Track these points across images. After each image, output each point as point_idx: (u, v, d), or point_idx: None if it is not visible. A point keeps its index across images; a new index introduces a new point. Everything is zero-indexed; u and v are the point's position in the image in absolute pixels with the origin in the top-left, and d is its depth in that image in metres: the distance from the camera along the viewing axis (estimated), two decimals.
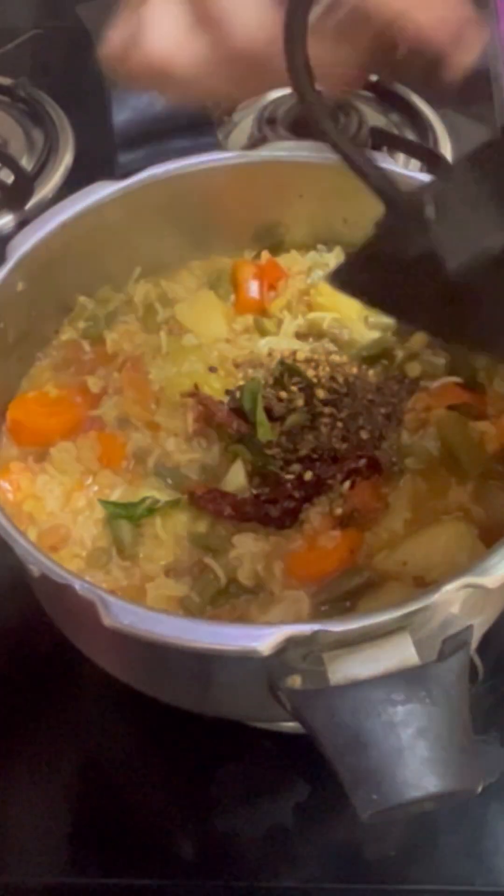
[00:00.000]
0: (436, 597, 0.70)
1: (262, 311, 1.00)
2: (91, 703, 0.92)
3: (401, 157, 1.26)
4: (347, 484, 0.85)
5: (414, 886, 0.83)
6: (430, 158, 1.23)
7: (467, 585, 0.70)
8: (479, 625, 0.79)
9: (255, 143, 1.26)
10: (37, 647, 0.94)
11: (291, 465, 0.86)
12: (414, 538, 0.83)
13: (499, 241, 0.58)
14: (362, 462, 0.86)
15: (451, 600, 0.72)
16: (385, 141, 1.27)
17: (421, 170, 1.20)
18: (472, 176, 0.59)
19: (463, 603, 0.75)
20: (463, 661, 0.68)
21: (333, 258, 1.02)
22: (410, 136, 1.32)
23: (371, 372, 0.92)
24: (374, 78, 1.37)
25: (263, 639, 0.68)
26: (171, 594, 0.82)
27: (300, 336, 0.97)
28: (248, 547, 0.84)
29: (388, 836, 0.84)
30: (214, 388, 0.93)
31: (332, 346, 0.96)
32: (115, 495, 0.88)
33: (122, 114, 0.97)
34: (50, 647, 0.90)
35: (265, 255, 1.03)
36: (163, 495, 0.87)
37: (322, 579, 0.83)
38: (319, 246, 1.04)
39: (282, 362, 0.92)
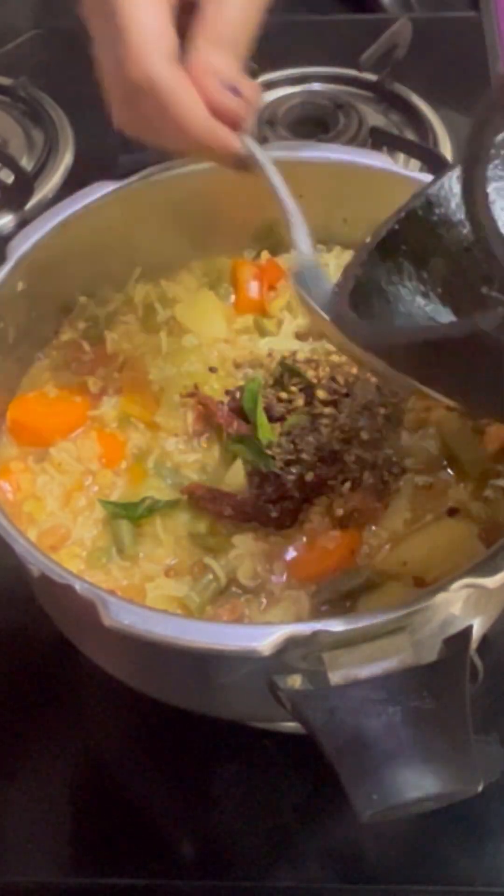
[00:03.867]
0: (436, 597, 0.70)
1: (262, 311, 1.00)
2: (91, 702, 0.92)
3: (401, 157, 1.26)
4: (348, 484, 0.85)
5: (414, 886, 0.83)
6: (430, 158, 1.23)
7: (467, 585, 0.70)
8: (479, 625, 0.79)
9: None
10: (37, 647, 0.94)
11: (292, 465, 0.86)
12: (414, 538, 0.84)
13: None
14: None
15: (451, 600, 0.72)
16: (385, 141, 1.27)
17: (421, 170, 1.20)
18: None
19: (463, 603, 0.75)
20: (463, 661, 0.68)
21: (333, 258, 1.02)
22: (410, 136, 1.32)
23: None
24: (373, 78, 1.37)
25: (263, 639, 0.68)
26: (171, 594, 0.82)
27: (300, 336, 0.97)
28: (248, 547, 0.84)
29: (388, 835, 0.84)
30: (214, 388, 0.93)
31: (332, 347, 0.95)
32: (115, 495, 0.89)
33: None
34: (50, 647, 0.90)
35: (265, 255, 1.03)
36: (163, 495, 0.87)
37: (322, 579, 0.83)
38: (319, 246, 1.03)
39: (282, 363, 0.92)
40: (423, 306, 0.73)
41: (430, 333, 0.63)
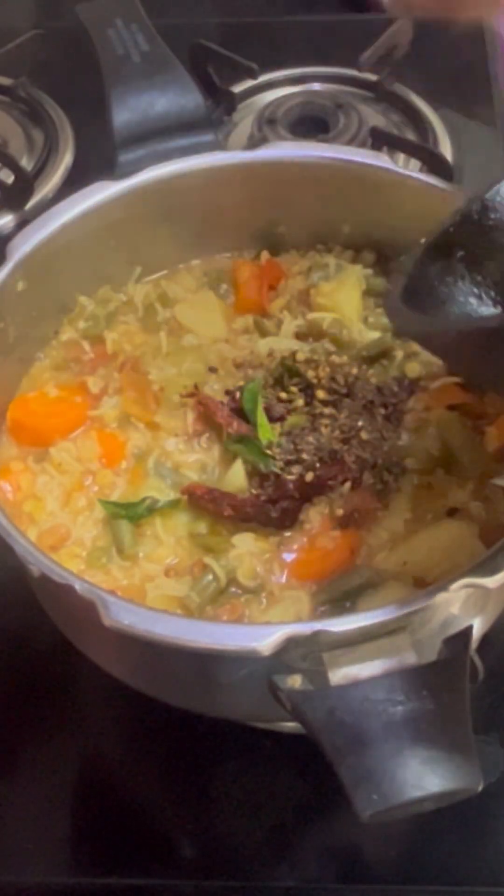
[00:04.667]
0: (436, 597, 0.70)
1: (262, 311, 1.00)
2: (91, 703, 0.92)
3: (401, 157, 1.26)
4: (348, 484, 0.85)
5: (414, 886, 0.83)
6: (430, 158, 1.23)
7: (467, 585, 0.70)
8: (479, 625, 0.79)
9: (255, 143, 1.26)
10: (37, 647, 0.94)
11: (292, 465, 0.86)
12: (414, 538, 0.84)
13: None
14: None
15: (451, 600, 0.72)
16: (385, 141, 1.27)
17: (421, 170, 1.20)
18: None
19: (463, 603, 0.75)
20: (463, 661, 0.68)
21: (333, 258, 1.02)
22: (410, 136, 1.32)
23: (371, 372, 0.92)
24: (373, 78, 1.37)
25: (263, 639, 0.68)
26: (171, 594, 0.82)
27: (300, 336, 0.97)
28: (248, 547, 0.84)
29: (388, 835, 0.84)
30: (214, 388, 0.93)
31: (332, 347, 0.96)
32: (115, 495, 0.89)
33: (122, 114, 0.96)
34: (50, 647, 0.90)
35: (265, 255, 1.03)
36: (163, 495, 0.87)
37: (322, 579, 0.83)
38: (319, 246, 1.04)
39: (282, 363, 0.92)
40: (476, 307, 0.74)
41: (469, 324, 0.64)
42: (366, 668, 0.68)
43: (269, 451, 0.86)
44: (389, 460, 0.87)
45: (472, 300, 0.74)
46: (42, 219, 0.93)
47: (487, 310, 0.74)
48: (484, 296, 0.74)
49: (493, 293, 0.75)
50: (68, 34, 1.10)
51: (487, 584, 0.71)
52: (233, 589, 0.83)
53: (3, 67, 1.42)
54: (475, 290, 0.75)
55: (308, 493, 0.86)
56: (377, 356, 0.95)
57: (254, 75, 1.34)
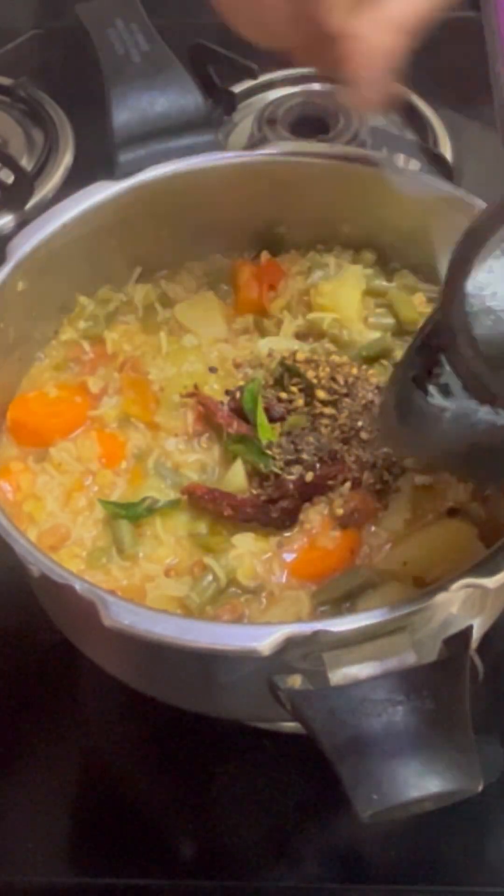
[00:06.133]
0: (436, 597, 0.70)
1: (261, 311, 1.00)
2: (91, 702, 0.92)
3: (401, 157, 1.26)
4: (348, 484, 0.85)
5: (414, 886, 0.83)
6: (430, 158, 1.23)
7: (467, 585, 0.70)
8: (479, 625, 0.79)
9: (255, 143, 1.26)
10: (37, 647, 0.94)
11: (292, 465, 0.86)
12: (414, 538, 0.84)
13: None
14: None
15: (451, 600, 0.72)
16: (385, 141, 1.27)
17: (421, 170, 1.20)
18: None
19: (463, 603, 0.75)
20: (463, 661, 0.68)
21: (333, 258, 1.02)
22: (410, 136, 1.32)
23: (371, 372, 0.92)
24: None
25: (263, 639, 0.68)
26: (171, 594, 0.82)
27: (300, 336, 0.97)
28: (248, 547, 0.84)
29: (388, 835, 0.84)
30: (214, 388, 0.93)
31: (332, 347, 0.96)
32: (115, 495, 0.89)
33: (122, 114, 0.96)
34: (50, 647, 0.90)
35: (265, 255, 1.03)
36: (163, 495, 0.87)
37: (322, 579, 0.83)
38: (319, 246, 1.04)
39: (282, 363, 0.92)
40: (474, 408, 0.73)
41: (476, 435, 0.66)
42: (366, 668, 0.68)
43: (269, 451, 0.86)
44: (389, 460, 0.87)
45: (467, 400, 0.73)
46: (42, 219, 0.93)
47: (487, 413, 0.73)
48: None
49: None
50: (68, 34, 1.10)
51: (487, 584, 0.71)
52: (233, 589, 0.83)
53: (3, 67, 1.42)
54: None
55: (308, 493, 0.86)
56: (377, 356, 0.95)
57: (254, 75, 1.34)
